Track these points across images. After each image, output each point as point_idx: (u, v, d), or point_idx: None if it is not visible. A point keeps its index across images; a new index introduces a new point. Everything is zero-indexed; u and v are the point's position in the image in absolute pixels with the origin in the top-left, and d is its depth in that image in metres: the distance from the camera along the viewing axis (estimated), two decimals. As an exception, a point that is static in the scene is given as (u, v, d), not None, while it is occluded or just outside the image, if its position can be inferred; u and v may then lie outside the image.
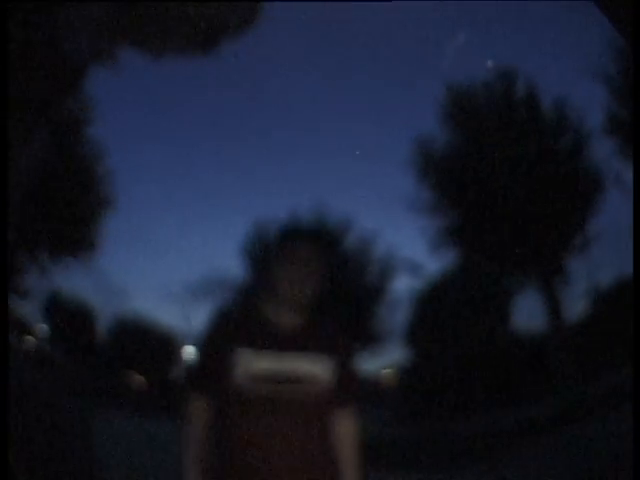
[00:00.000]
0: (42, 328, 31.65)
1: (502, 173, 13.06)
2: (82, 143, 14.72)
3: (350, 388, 1.72)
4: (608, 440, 7.01)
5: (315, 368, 1.56)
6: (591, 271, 22.65)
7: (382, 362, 41.53)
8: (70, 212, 13.90)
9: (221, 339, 1.63)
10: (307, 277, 1.64)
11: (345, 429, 1.69)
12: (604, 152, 13.66)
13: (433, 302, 21.80)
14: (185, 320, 37.43)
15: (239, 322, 1.70)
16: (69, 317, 30.69)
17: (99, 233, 16.12)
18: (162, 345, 34.49)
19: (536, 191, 13.04)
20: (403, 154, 14.24)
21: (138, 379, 36.22)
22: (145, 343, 32.50)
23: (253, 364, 1.52)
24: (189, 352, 37.47)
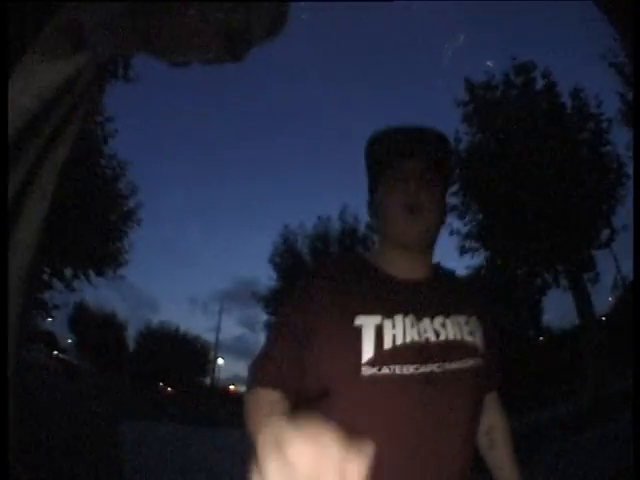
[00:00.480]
0: (69, 341, 32.42)
1: (527, 170, 12.79)
2: (104, 158, 14.85)
3: (500, 361, 1.24)
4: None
5: (467, 336, 1.08)
6: (618, 264, 22.30)
7: None
8: (95, 227, 13.98)
9: (323, 304, 1.06)
10: (428, 199, 1.10)
11: (499, 417, 1.25)
12: (624, 141, 13.40)
13: None
14: (215, 330, 38.04)
15: (348, 280, 1.11)
16: (96, 329, 31.36)
17: (125, 246, 16.35)
18: (193, 356, 34.99)
19: (561, 187, 12.72)
20: None
21: (168, 391, 36.71)
22: (175, 354, 33.02)
23: (384, 336, 1.01)
24: (220, 363, 37.23)
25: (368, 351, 0.98)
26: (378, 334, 1.00)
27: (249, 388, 1.06)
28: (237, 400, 37.83)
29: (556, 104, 13.74)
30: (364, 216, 16.40)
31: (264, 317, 17.06)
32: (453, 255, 13.68)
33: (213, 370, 34.38)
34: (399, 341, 1.00)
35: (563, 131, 13.20)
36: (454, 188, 13.73)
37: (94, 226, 14.04)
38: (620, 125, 13.44)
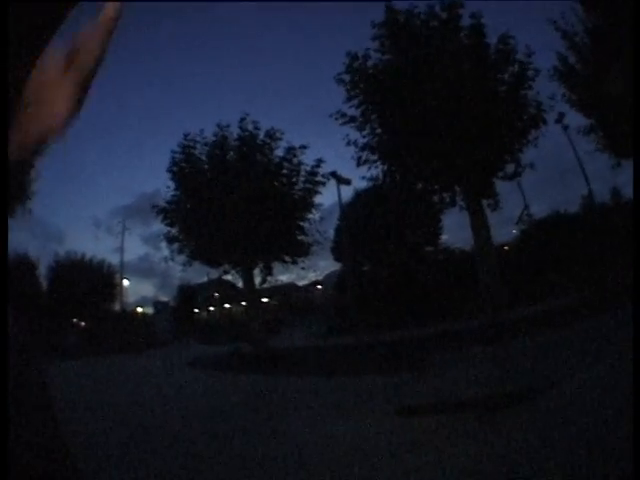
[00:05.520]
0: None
1: (436, 92, 12.67)
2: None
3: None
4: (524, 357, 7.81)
5: None
6: (525, 200, 23.45)
7: (312, 277, 41.99)
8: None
9: None
10: None
11: None
12: (548, 92, 13.80)
13: (361, 216, 21.78)
14: (120, 251, 36.36)
15: None
16: (13, 273, 29.34)
17: (32, 177, 15.09)
18: (101, 282, 33.66)
19: (468, 115, 12.76)
20: (335, 69, 13.89)
21: (81, 325, 35.44)
22: (84, 283, 31.62)
23: None
24: (125, 285, 36.52)
25: None
26: None
27: None
28: (146, 325, 37.41)
29: (479, 42, 13.57)
30: (265, 123, 16.03)
31: (165, 230, 16.34)
32: (351, 164, 13.54)
33: (121, 294, 33.31)
34: None
35: (480, 66, 13.15)
36: (355, 101, 13.53)
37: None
38: (552, 80, 13.95)
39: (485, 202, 14.18)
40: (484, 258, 13.68)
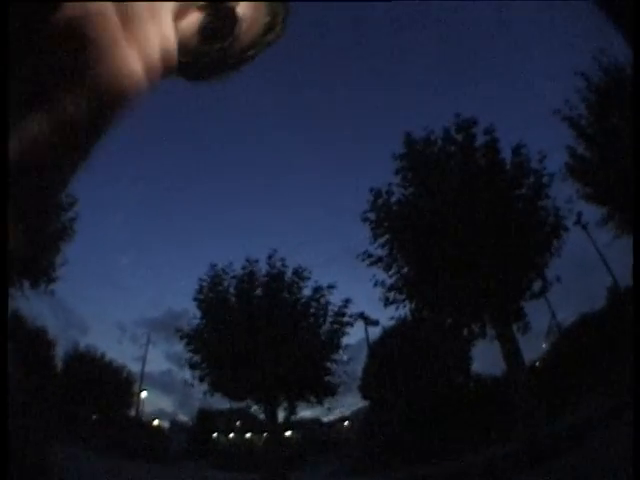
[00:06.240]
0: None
1: (458, 223, 12.76)
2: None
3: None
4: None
5: None
6: (551, 311, 22.75)
7: (340, 414, 40.22)
8: (30, 238, 13.00)
9: None
10: None
11: None
12: (564, 195, 13.77)
13: (388, 355, 21.40)
14: (141, 361, 35.90)
15: None
16: (29, 340, 29.26)
17: (58, 262, 15.50)
18: (118, 386, 33.13)
19: (492, 242, 12.72)
20: (358, 207, 14.17)
21: (91, 418, 34.47)
22: (100, 382, 31.18)
23: None
24: (144, 397, 35.55)
25: None
26: None
27: None
28: (160, 435, 36.14)
29: (494, 160, 13.79)
30: (292, 261, 16.35)
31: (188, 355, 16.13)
32: (378, 306, 13.47)
33: (137, 403, 32.47)
34: None
35: (498, 186, 13.30)
36: (381, 240, 13.61)
37: (29, 237, 13.02)
38: (565, 178, 14.08)
39: (515, 326, 13.78)
40: (517, 384, 13.08)
